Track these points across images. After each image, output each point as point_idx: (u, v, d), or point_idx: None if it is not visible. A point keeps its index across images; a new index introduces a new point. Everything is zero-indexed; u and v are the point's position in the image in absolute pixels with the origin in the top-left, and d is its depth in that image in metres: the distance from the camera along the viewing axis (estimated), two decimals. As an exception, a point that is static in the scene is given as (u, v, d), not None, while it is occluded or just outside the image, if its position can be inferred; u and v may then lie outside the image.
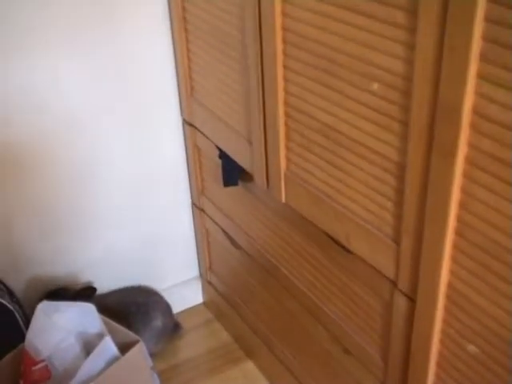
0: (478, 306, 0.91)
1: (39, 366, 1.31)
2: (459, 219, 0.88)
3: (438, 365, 1.03)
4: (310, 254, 1.31)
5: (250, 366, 1.76)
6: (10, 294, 1.51)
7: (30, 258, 1.64)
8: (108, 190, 1.69)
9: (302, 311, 1.41)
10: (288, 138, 1.21)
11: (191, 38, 1.50)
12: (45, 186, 1.59)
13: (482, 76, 0.77)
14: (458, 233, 0.89)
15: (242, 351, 1.79)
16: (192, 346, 1.82)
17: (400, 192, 0.98)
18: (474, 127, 0.81)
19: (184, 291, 1.92)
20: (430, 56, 0.82)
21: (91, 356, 1.28)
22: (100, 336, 1.33)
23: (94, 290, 1.65)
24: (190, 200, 1.83)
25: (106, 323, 1.38)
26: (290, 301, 1.45)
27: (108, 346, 1.30)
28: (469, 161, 0.83)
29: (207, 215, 1.75)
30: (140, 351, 1.36)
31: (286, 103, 1.18)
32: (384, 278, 1.08)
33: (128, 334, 1.38)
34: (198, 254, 1.91)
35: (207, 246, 1.84)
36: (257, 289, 1.61)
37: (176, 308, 1.86)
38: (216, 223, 1.71)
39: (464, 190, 0.86)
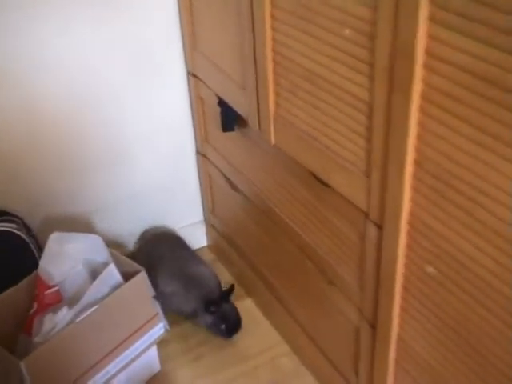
0: (436, 232, 1.02)
1: (51, 290, 1.45)
2: (417, 151, 0.99)
3: (404, 287, 1.14)
4: (298, 192, 1.42)
5: (248, 303, 1.89)
6: (28, 228, 1.65)
7: (46, 197, 1.77)
8: (122, 137, 1.81)
9: (293, 247, 1.53)
10: (276, 83, 1.32)
11: (193, -8, 1.60)
12: (64, 128, 1.71)
13: (432, 19, 0.87)
14: (417, 163, 1.00)
15: (243, 290, 1.92)
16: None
17: (370, 129, 1.08)
18: (427, 66, 0.91)
19: (189, 234, 2.05)
20: (391, 2, 0.92)
21: (97, 281, 1.41)
22: (106, 265, 1.46)
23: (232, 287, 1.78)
24: (195, 148, 1.94)
25: (112, 254, 1.52)
26: (283, 238, 1.57)
27: (112, 273, 1.44)
28: (424, 97, 0.93)
29: (210, 161, 1.87)
30: (142, 280, 1.50)
31: (274, 51, 1.28)
32: (358, 209, 1.19)
33: (132, 265, 1.51)
34: (202, 199, 2.03)
35: (210, 191, 1.96)
36: (254, 229, 1.73)
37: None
38: (218, 168, 1.83)
39: (421, 124, 0.96)
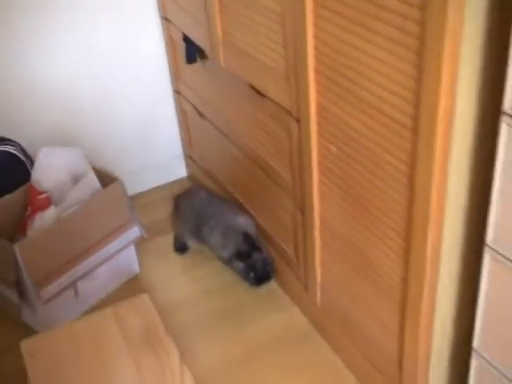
0: (336, 115, 1.26)
1: (42, 196, 1.73)
2: (316, 48, 1.24)
3: (319, 170, 1.39)
4: (245, 108, 1.68)
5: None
6: (24, 151, 1.92)
7: (45, 134, 2.04)
8: (106, 81, 2.08)
9: (248, 161, 1.78)
10: (222, 13, 1.57)
11: None
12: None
13: None
14: (317, 59, 1.25)
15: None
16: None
17: (285, 37, 1.33)
18: (314, -24, 1.15)
19: (171, 166, 2.31)
20: None
21: (78, 184, 1.69)
22: (86, 173, 1.73)
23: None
24: (171, 87, 2.20)
25: (92, 167, 1.78)
26: (241, 155, 1.82)
27: (92, 179, 1.71)
28: (316, 2, 1.18)
29: (183, 97, 2.13)
30: (119, 187, 1.76)
31: (217, -17, 1.53)
32: (284, 110, 1.44)
33: (109, 175, 1.78)
34: (180, 133, 2.29)
35: (186, 125, 2.22)
36: (220, 153, 1.99)
37: (165, 180, 2.29)
38: (189, 102, 2.09)
39: (316, 26, 1.21)
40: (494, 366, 1.11)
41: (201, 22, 1.70)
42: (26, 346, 1.26)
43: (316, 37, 1.22)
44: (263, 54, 1.45)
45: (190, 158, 2.30)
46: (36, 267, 1.60)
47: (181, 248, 2.01)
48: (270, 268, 1.82)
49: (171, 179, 2.34)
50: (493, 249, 1.01)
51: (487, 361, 1.12)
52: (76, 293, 1.72)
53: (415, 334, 1.24)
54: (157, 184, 2.32)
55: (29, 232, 1.66)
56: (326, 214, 1.44)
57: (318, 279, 1.57)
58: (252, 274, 1.80)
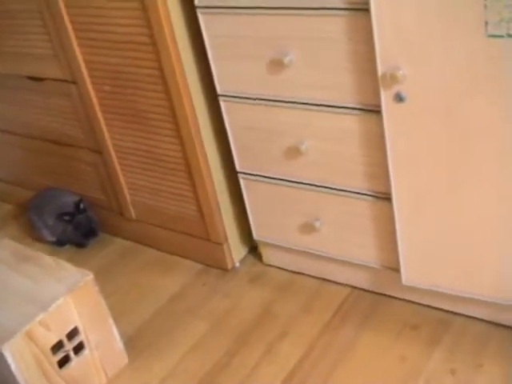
0: (101, 62, 1.80)
1: None
2: (72, 21, 1.76)
3: (101, 109, 1.91)
4: (28, 101, 2.12)
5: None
6: None
7: None
8: None
9: (45, 144, 2.22)
10: (-13, 28, 2.02)
11: None
12: None
13: None
14: (75, 29, 1.78)
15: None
16: None
17: (46, 27, 1.84)
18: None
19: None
20: None
21: None
22: None
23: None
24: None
25: None
26: (39, 143, 2.25)
27: None
28: (61, -11, 1.71)
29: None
30: None
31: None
32: (61, 81, 1.94)
33: None
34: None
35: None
36: (25, 155, 2.37)
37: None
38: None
39: (66, 4, 1.74)
40: (251, 175, 1.73)
41: None
42: None
43: (66, 6, 1.75)
44: (32, 47, 1.94)
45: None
46: None
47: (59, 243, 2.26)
48: (95, 225, 2.21)
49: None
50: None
51: (248, 173, 1.74)
52: None
53: (203, 188, 1.82)
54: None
55: None
56: (118, 142, 1.96)
57: (128, 198, 2.08)
58: (79, 232, 2.16)
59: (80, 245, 2.22)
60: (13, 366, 1.42)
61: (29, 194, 2.35)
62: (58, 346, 1.52)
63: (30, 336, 1.44)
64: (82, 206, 2.16)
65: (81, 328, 1.55)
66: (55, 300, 1.49)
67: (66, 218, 2.17)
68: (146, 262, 2.10)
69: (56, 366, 1.52)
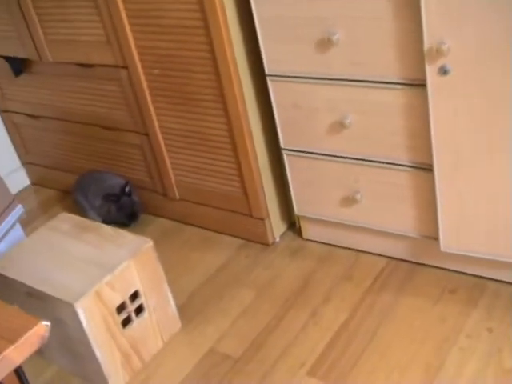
0: (152, 47, 1.91)
1: None
2: (125, 7, 1.88)
3: (150, 91, 2.02)
4: (76, 86, 2.25)
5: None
6: None
7: None
8: None
9: (89, 128, 2.34)
10: (40, 21, 2.14)
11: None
12: None
13: None
14: (128, 15, 1.89)
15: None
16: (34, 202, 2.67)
17: (100, 14, 1.96)
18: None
19: (14, 179, 2.74)
20: None
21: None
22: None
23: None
24: (-3, 110, 2.67)
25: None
26: (81, 127, 2.37)
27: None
28: (117, -22, 1.83)
29: (11, 112, 2.60)
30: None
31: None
32: (112, 66, 2.06)
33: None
34: (14, 147, 2.75)
35: (19, 135, 2.68)
36: (63, 139, 2.51)
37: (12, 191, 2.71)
38: (18, 112, 2.57)
39: (121, -7, 1.86)
40: (295, 151, 1.84)
41: (22, 37, 2.24)
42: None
43: (123, 1, 1.87)
44: (84, 34, 2.06)
45: (30, 163, 2.76)
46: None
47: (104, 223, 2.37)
48: (137, 208, 2.32)
49: (13, 192, 2.76)
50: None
51: (292, 150, 1.85)
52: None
53: (248, 166, 1.93)
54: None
55: None
56: (164, 124, 2.07)
57: (173, 179, 2.19)
58: (122, 214, 2.28)
59: (124, 225, 2.32)
60: (84, 323, 1.53)
61: (73, 178, 2.46)
62: (121, 308, 1.63)
63: (98, 295, 1.55)
64: (127, 189, 2.27)
65: (141, 291, 1.66)
66: (120, 263, 1.61)
67: (112, 198, 2.29)
68: (190, 239, 2.21)
69: (120, 326, 1.63)
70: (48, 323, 0.86)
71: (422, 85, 1.50)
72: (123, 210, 2.30)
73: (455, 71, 1.42)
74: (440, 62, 1.42)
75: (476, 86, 1.42)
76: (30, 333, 0.81)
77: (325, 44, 1.60)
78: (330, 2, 1.53)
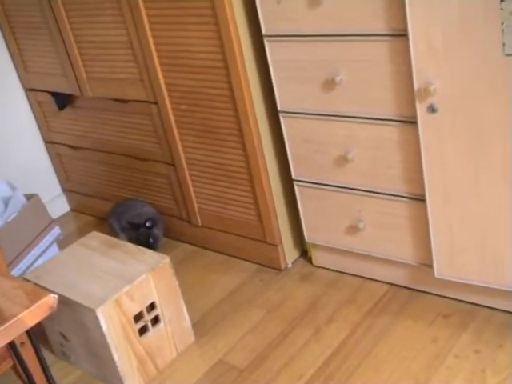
0: (179, 84, 2.13)
1: (-16, 219, 2.35)
2: (156, 47, 2.10)
3: (177, 125, 2.23)
4: (112, 120, 2.47)
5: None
6: None
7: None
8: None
9: (123, 159, 2.56)
10: (83, 60, 2.39)
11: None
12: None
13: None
14: (159, 55, 2.11)
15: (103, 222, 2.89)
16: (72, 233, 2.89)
17: (134, 52, 2.19)
18: None
19: (55, 205, 2.97)
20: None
21: (10, 202, 2.34)
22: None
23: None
24: (42, 138, 2.91)
25: (11, 186, 2.45)
26: (115, 158, 2.59)
27: (18, 197, 2.37)
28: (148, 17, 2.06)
29: (55, 143, 2.85)
30: (38, 201, 2.44)
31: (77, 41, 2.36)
32: (144, 102, 2.28)
33: (29, 196, 2.45)
34: (57, 175, 2.99)
35: (61, 165, 2.92)
36: (99, 169, 2.73)
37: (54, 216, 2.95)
38: (61, 144, 2.82)
39: (152, 30, 2.08)
40: (305, 182, 2.01)
41: (67, 74, 2.49)
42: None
43: (154, 36, 2.09)
44: (120, 73, 2.29)
45: (70, 191, 2.99)
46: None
47: None
48: (154, 240, 2.47)
49: (54, 217, 2.99)
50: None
51: (302, 181, 2.02)
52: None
53: (263, 195, 2.10)
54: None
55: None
56: (189, 155, 2.27)
57: (196, 207, 2.38)
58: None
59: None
60: (104, 328, 1.70)
61: (108, 205, 2.68)
62: (138, 317, 1.80)
63: (118, 303, 1.73)
64: (148, 223, 2.45)
65: (157, 303, 1.84)
66: (139, 276, 1.78)
67: (132, 227, 2.47)
68: (209, 263, 2.38)
69: (137, 333, 1.80)
70: (56, 296, 1.05)
71: (414, 122, 1.66)
72: (140, 240, 2.47)
73: (442, 109, 1.58)
74: (428, 101, 1.59)
75: (462, 123, 1.57)
76: (40, 302, 1.00)
77: (329, 84, 1.78)
78: (334, 47, 1.72)
